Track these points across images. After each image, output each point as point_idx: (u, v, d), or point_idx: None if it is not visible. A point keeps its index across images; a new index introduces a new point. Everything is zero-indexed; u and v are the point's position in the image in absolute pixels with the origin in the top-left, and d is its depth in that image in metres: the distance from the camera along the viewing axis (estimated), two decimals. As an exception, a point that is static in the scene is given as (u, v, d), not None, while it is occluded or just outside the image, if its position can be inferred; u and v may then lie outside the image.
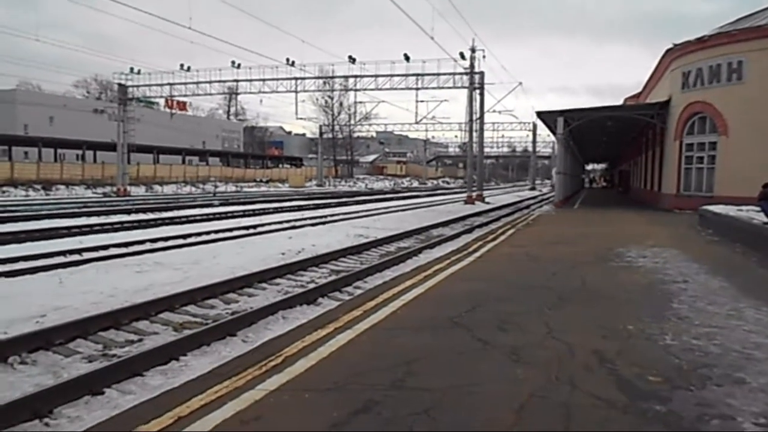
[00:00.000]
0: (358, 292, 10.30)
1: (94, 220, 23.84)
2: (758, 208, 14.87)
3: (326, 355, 5.45)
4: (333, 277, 11.72)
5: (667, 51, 29.06)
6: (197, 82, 46.28)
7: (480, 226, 23.73)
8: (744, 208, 16.82)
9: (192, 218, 25.47)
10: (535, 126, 79.92)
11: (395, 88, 42.96)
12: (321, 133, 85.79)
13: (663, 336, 6.08)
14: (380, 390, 4.50)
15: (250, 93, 47.87)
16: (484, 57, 40.62)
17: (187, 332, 7.79)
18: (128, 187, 49.19)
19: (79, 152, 64.35)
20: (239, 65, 43.71)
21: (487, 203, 39.42)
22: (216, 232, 20.04)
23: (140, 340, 7.71)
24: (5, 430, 4.91)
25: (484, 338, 5.94)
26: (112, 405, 5.48)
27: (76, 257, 13.94)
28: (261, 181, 77.16)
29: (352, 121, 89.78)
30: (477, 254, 12.60)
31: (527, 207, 38.41)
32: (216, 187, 60.55)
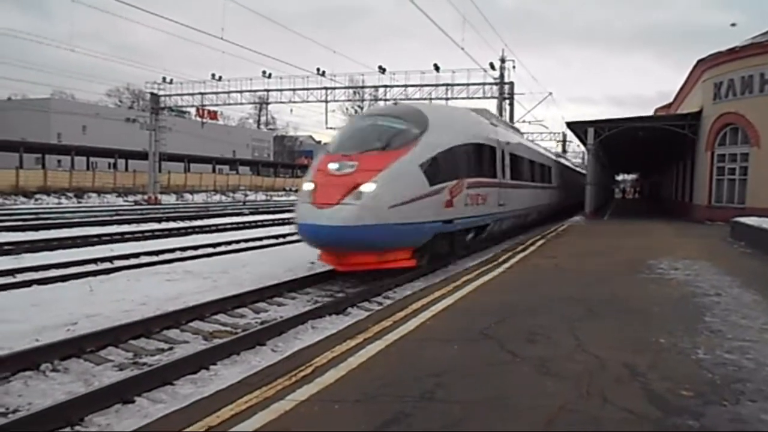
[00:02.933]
0: (387, 302, 10.31)
1: (125, 228, 24.17)
2: (792, 221, 14.58)
3: (356, 365, 5.46)
4: (362, 287, 11.72)
5: (699, 62, 28.73)
6: (228, 92, 46.68)
7: (509, 236, 23.61)
8: (777, 220, 16.53)
9: (222, 227, 25.70)
10: (564, 136, 79.24)
11: (425, 98, 42.98)
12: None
13: (695, 350, 6.00)
14: (410, 402, 4.50)
15: (281, 102, 48.11)
16: (514, 67, 40.41)
17: (217, 341, 7.86)
18: (159, 196, 49.83)
19: (111, 160, 65.48)
20: (270, 75, 43.96)
21: (517, 213, 39.00)
22: (245, 240, 20.22)
23: (171, 349, 7.79)
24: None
25: (513, 350, 5.91)
26: (142, 414, 5.55)
27: (107, 265, 14.16)
28: (291, 190, 77.56)
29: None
30: (506, 265, 12.54)
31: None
32: (246, 195, 61.13)
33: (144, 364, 7.12)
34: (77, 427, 5.28)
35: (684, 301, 8.68)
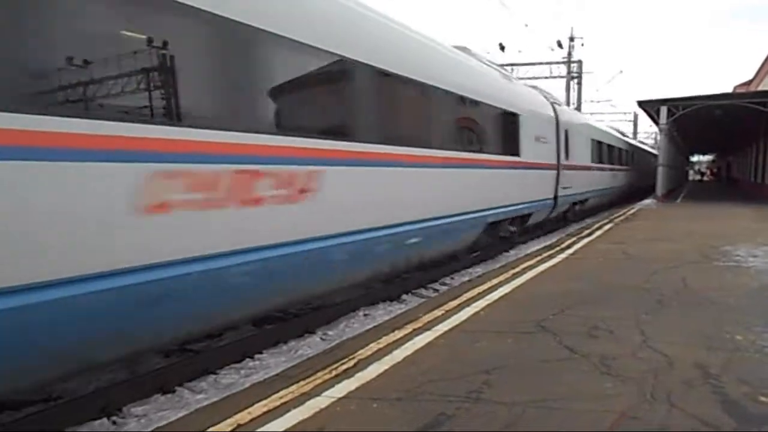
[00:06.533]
0: (444, 288, 10.00)
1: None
2: None
3: (401, 359, 5.16)
4: (419, 272, 11.39)
5: (783, 34, 27.16)
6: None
7: (574, 220, 22.89)
8: None
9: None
10: (636, 116, 76.78)
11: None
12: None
13: (777, 349, 5.45)
14: (454, 402, 4.15)
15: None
16: (582, 44, 39.30)
17: (266, 327, 7.67)
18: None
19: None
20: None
21: (584, 196, 38.01)
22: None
23: (219, 335, 7.61)
24: (73, 428, 4.86)
25: (571, 345, 5.48)
26: (181, 405, 5.37)
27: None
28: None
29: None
30: (570, 251, 12.01)
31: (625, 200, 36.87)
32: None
33: (191, 351, 6.94)
34: (114, 418, 5.12)
35: (764, 292, 8.03)
